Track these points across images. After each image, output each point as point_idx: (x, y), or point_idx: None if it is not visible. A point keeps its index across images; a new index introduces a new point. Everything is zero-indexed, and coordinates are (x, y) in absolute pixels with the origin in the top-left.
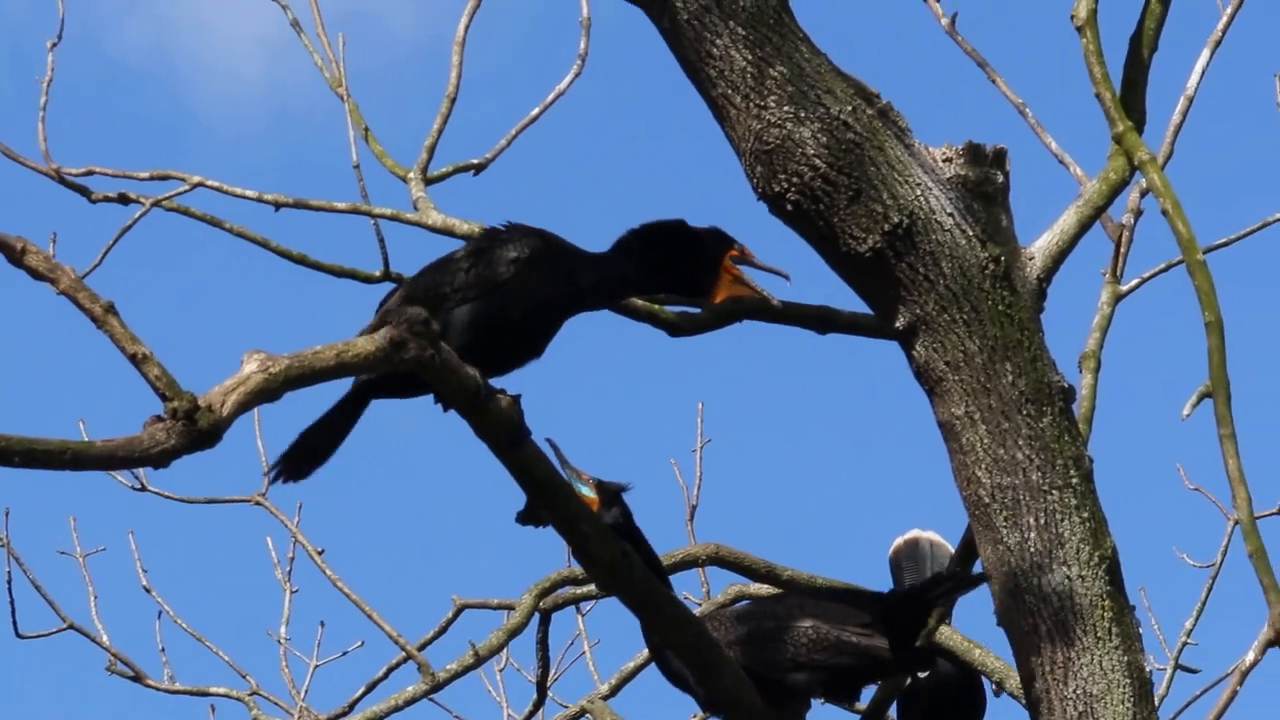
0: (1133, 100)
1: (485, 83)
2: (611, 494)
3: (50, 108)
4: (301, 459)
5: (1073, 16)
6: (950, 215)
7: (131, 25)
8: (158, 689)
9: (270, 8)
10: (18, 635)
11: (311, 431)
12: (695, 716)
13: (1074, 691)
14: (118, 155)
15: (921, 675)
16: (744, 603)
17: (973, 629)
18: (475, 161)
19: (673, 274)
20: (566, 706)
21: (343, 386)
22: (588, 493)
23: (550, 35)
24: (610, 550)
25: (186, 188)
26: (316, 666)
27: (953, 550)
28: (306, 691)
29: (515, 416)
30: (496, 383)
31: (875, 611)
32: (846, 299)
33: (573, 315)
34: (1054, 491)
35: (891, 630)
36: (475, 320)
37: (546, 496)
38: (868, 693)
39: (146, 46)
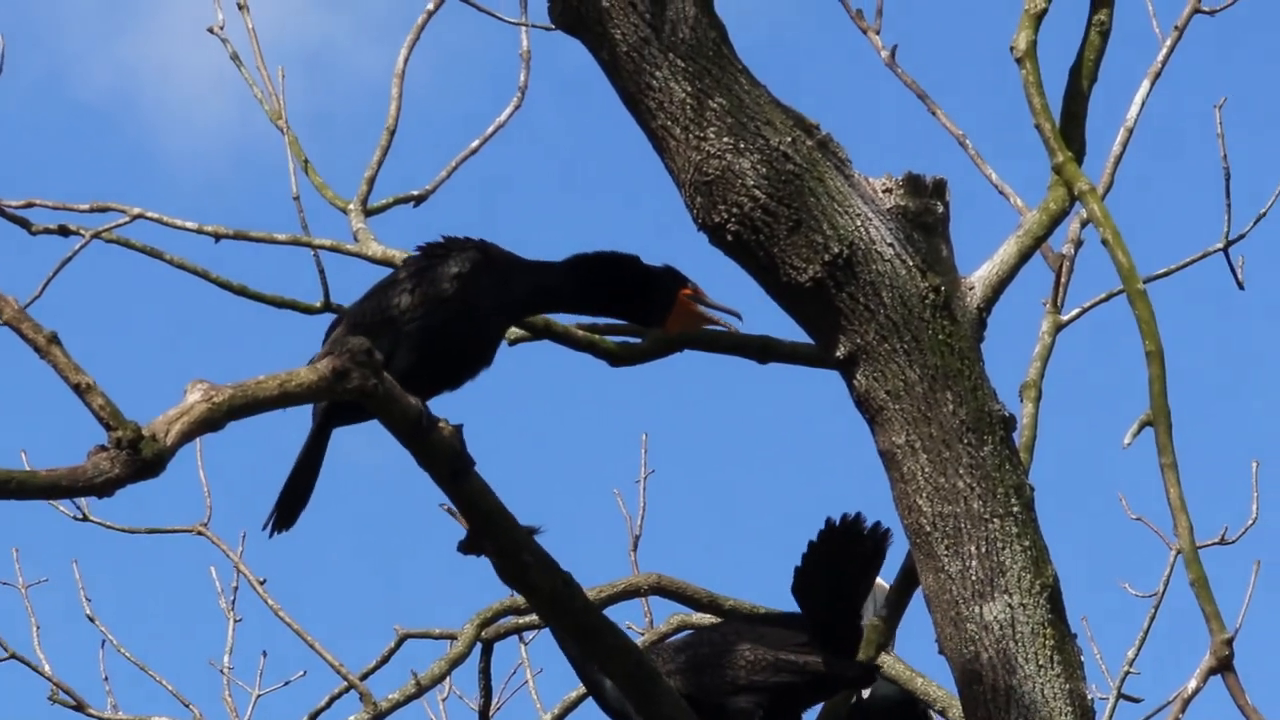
0: (1072, 131)
1: (457, 120)
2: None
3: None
4: (291, 506)
5: (1012, 48)
6: (890, 245)
7: (96, 68)
8: (101, 718)
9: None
10: None
11: (294, 477)
12: None
13: None
14: (83, 197)
15: (864, 694)
16: (684, 633)
17: (915, 657)
18: (415, 193)
19: (619, 304)
20: None
21: (289, 417)
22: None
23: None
24: (551, 580)
25: (126, 219)
26: (259, 696)
27: (888, 587)
28: None
29: (457, 446)
30: (445, 401)
31: (811, 628)
32: (787, 328)
33: (516, 321)
34: (995, 520)
35: (829, 645)
36: (425, 338)
37: (489, 528)
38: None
39: (111, 89)
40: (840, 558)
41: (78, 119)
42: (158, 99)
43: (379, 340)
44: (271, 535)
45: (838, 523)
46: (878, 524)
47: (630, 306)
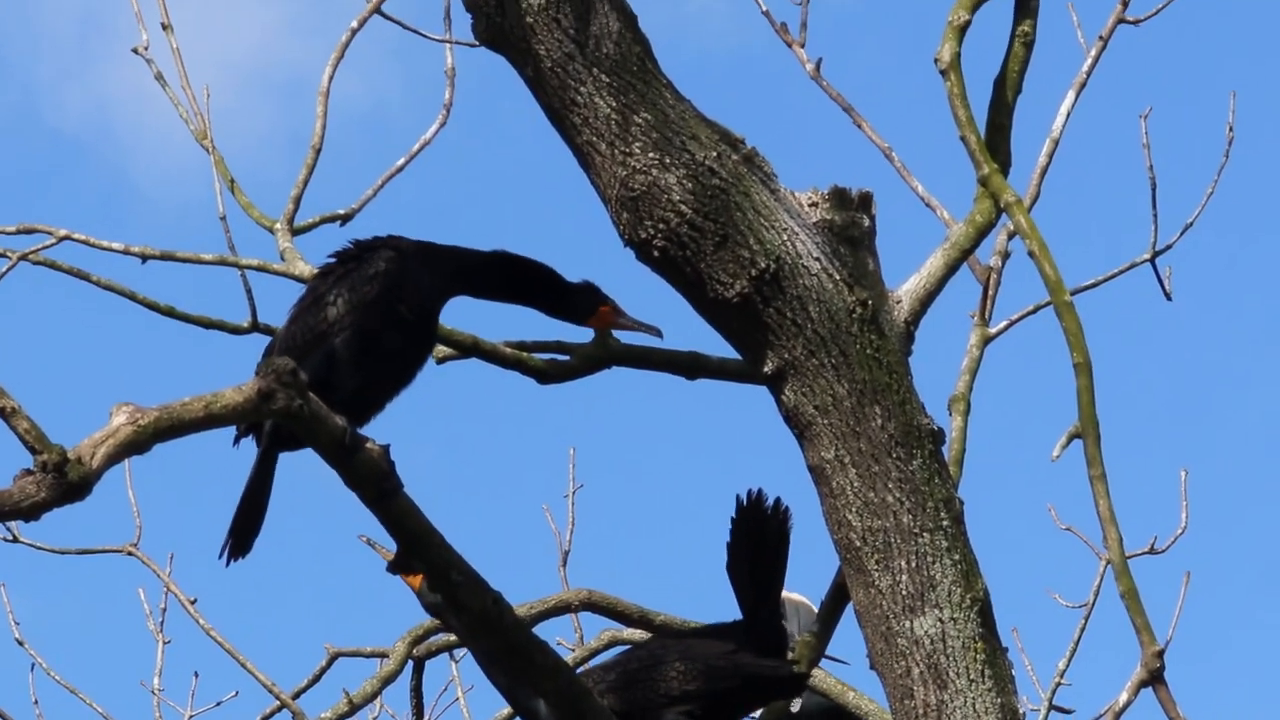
0: (998, 143)
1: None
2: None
3: None
4: (245, 533)
5: (936, 60)
6: (817, 260)
7: (71, 94)
8: None
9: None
10: None
11: (244, 504)
12: None
13: None
14: (61, 223)
15: (794, 709)
16: (614, 650)
17: (845, 672)
18: (341, 212)
19: (539, 302)
20: None
21: (220, 437)
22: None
23: (480, 96)
24: (481, 599)
25: (53, 241)
26: (191, 717)
27: (814, 608)
28: None
29: (385, 466)
30: (374, 423)
31: (738, 638)
32: (714, 344)
33: (445, 302)
34: (925, 534)
35: (757, 650)
36: (360, 343)
37: (418, 548)
38: None
39: (87, 115)
40: (755, 533)
41: (53, 146)
42: (133, 124)
43: (313, 358)
44: (228, 564)
45: (745, 500)
46: (778, 500)
47: (550, 307)
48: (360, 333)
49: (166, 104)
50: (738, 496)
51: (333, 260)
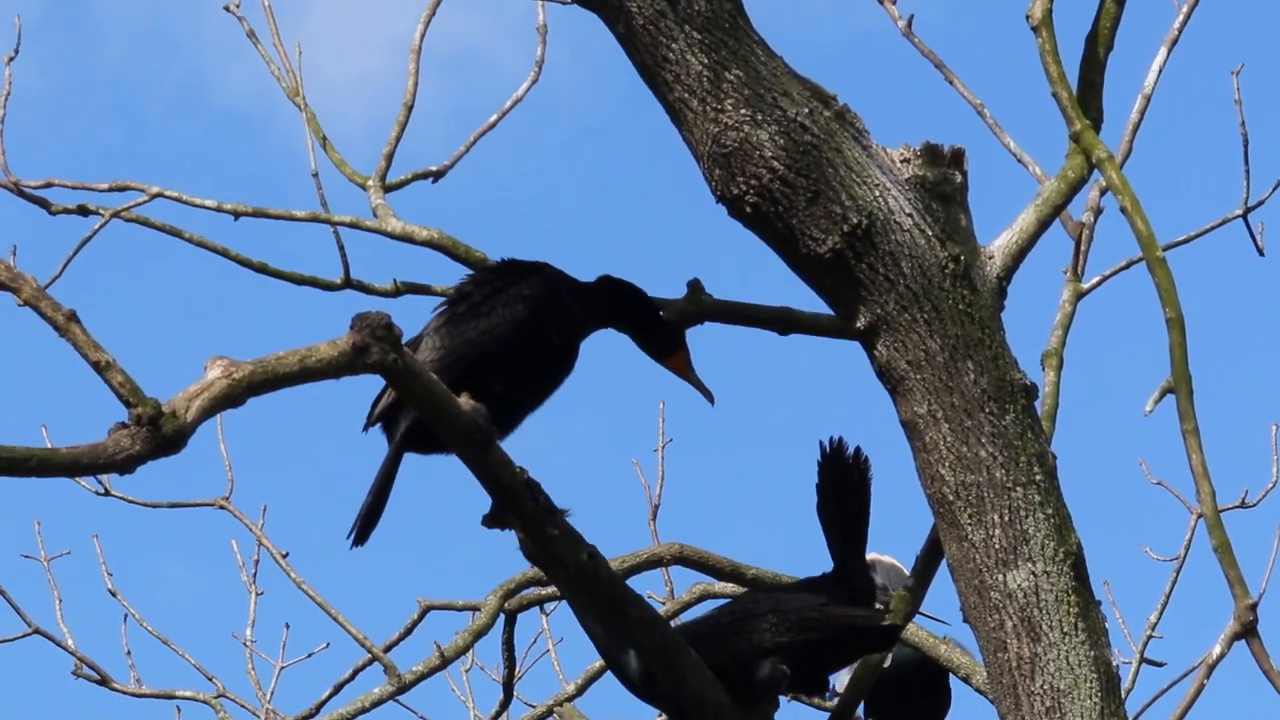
0: (1090, 99)
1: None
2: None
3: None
4: (369, 523)
5: (1028, 16)
6: (909, 215)
7: (237, 72)
8: (124, 692)
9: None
10: None
11: (373, 498)
12: (660, 717)
13: (1041, 687)
14: (226, 200)
15: (886, 663)
16: (704, 604)
17: (939, 625)
18: (434, 169)
19: (632, 329)
20: (533, 706)
21: (313, 393)
22: None
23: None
24: (576, 553)
25: (145, 198)
26: (282, 668)
27: (905, 570)
28: (272, 694)
29: (479, 419)
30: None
31: (829, 591)
32: (807, 299)
33: (587, 336)
34: (1018, 488)
35: (849, 602)
36: (509, 355)
37: (513, 502)
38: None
39: (252, 94)
40: (838, 481)
41: (219, 124)
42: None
43: (462, 361)
44: (352, 547)
45: (828, 446)
46: (858, 449)
47: (639, 334)
48: (510, 346)
49: (332, 80)
50: (820, 443)
51: (485, 274)
